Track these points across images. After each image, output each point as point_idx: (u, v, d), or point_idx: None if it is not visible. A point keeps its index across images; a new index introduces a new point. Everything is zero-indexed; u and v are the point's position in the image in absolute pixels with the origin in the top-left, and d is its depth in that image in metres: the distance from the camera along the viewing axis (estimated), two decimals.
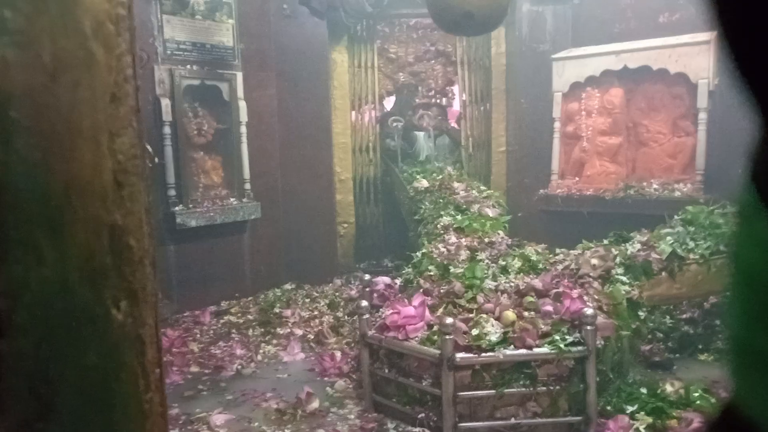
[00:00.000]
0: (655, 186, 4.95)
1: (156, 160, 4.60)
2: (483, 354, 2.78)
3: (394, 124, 6.48)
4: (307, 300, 5.24)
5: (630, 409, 2.91)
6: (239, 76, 5.28)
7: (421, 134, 6.59)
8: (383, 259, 6.39)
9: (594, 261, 3.34)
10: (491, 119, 6.26)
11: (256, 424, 3.14)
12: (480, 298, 3.09)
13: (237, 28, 5.28)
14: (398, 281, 3.84)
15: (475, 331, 2.85)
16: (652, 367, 3.53)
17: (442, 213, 4.43)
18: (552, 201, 5.49)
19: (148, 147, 0.84)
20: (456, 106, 6.94)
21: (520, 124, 5.96)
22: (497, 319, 2.94)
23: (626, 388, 3.10)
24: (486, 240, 3.85)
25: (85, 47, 0.70)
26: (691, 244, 3.45)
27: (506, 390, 2.78)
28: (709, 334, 3.76)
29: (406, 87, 6.78)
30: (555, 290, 3.09)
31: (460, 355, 2.77)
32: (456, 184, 5.04)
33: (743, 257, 0.36)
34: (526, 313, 2.96)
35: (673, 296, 3.47)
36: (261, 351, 4.19)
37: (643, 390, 3.08)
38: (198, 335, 4.54)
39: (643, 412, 2.88)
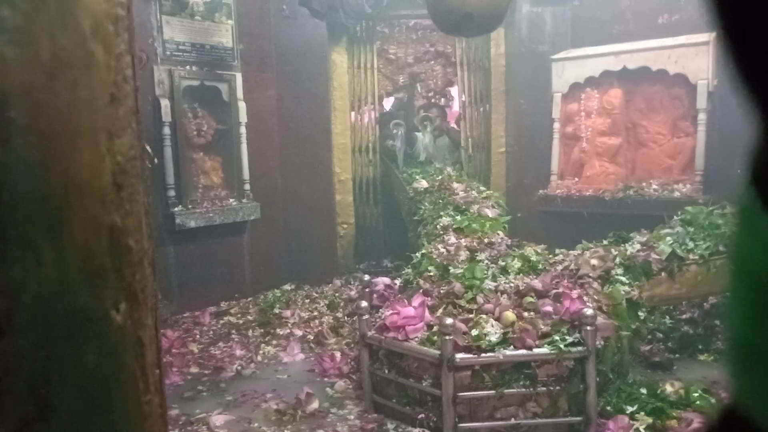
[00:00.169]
0: (654, 186, 4.95)
1: (155, 160, 4.60)
2: (483, 354, 2.78)
3: (395, 130, 6.47)
4: (307, 301, 5.24)
5: (630, 409, 2.91)
6: (239, 76, 5.28)
7: (420, 135, 6.59)
8: (383, 260, 6.39)
9: (594, 261, 3.34)
10: (491, 120, 6.26)
11: (256, 424, 3.13)
12: (480, 299, 3.09)
13: (236, 29, 5.28)
14: (398, 282, 3.84)
15: (474, 332, 2.85)
16: (651, 367, 3.53)
17: (442, 213, 4.43)
18: (551, 201, 5.49)
19: (148, 147, 0.84)
20: (456, 107, 6.94)
21: (519, 124, 5.96)
22: (497, 319, 2.94)
23: (626, 388, 3.10)
24: (485, 240, 3.84)
25: (84, 47, 0.70)
26: (691, 245, 3.45)
27: (506, 390, 2.78)
28: (708, 334, 3.76)
29: (406, 88, 6.78)
30: (555, 291, 3.09)
31: (459, 355, 2.77)
32: (455, 185, 5.04)
33: (743, 258, 0.35)
34: (525, 314, 2.96)
35: (672, 296, 3.47)
36: (261, 352, 4.19)
37: (643, 390, 3.08)
38: (198, 336, 4.54)
39: (643, 413, 2.88)
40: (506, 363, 2.79)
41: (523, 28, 5.78)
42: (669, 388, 3.11)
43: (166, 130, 4.79)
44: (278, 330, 4.56)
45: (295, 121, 5.78)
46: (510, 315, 2.92)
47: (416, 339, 2.99)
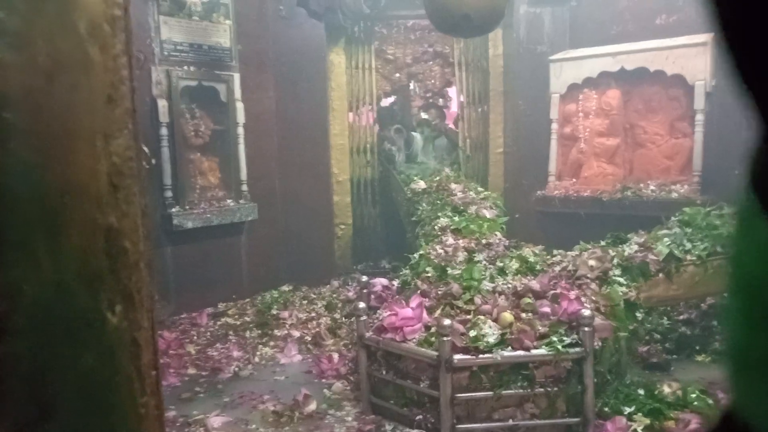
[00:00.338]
0: (652, 187, 4.96)
1: (153, 161, 4.59)
2: (481, 355, 2.78)
3: (396, 135, 6.47)
4: (305, 302, 5.23)
5: (628, 410, 2.91)
6: (236, 77, 5.28)
7: (418, 135, 6.59)
8: (381, 261, 6.39)
9: (591, 262, 3.34)
10: (489, 120, 6.26)
11: (254, 426, 3.13)
12: (477, 300, 3.09)
13: (234, 30, 5.28)
14: (396, 283, 3.84)
15: (472, 333, 2.85)
16: (649, 368, 3.54)
17: (440, 214, 4.42)
18: (549, 202, 5.49)
19: (145, 148, 0.84)
20: (454, 107, 6.95)
21: (517, 125, 5.96)
22: (495, 320, 2.94)
23: (624, 389, 3.11)
24: (483, 241, 3.84)
25: (81, 48, 0.69)
26: (689, 246, 3.46)
27: (504, 391, 2.78)
28: (706, 335, 3.77)
29: (403, 88, 6.78)
30: (552, 291, 3.09)
31: (457, 356, 2.77)
32: (453, 186, 5.03)
33: (742, 262, 0.35)
34: (523, 315, 2.96)
35: (670, 297, 3.47)
36: (258, 353, 4.18)
37: (641, 391, 3.09)
38: (195, 337, 4.53)
39: (640, 414, 2.88)
40: (504, 364, 2.79)
41: (521, 29, 5.79)
42: (667, 389, 3.11)
43: (164, 131, 4.78)
44: (276, 331, 4.55)
45: (293, 122, 5.77)
46: (508, 316, 2.92)
47: (414, 340, 2.99)
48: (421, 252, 3.81)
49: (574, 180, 5.49)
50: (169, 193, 4.86)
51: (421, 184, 5.21)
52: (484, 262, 3.55)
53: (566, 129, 5.50)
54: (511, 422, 2.80)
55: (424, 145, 6.54)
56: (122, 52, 0.75)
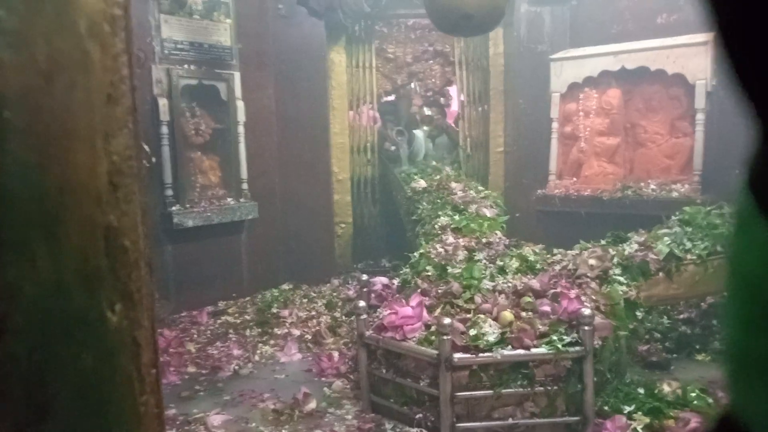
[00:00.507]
0: (652, 186, 4.96)
1: (153, 159, 4.59)
2: (480, 354, 2.78)
3: (399, 137, 6.46)
4: (305, 300, 5.24)
5: (627, 409, 2.91)
6: (237, 75, 5.28)
7: (419, 134, 6.59)
8: (381, 260, 6.39)
9: (591, 261, 3.34)
10: (489, 120, 6.26)
11: (254, 424, 3.13)
12: (477, 299, 3.09)
13: (235, 28, 5.28)
14: (396, 281, 3.84)
15: (472, 332, 2.85)
16: (649, 367, 3.54)
17: (440, 213, 4.42)
18: (550, 201, 5.49)
19: (145, 147, 0.83)
20: (454, 106, 6.94)
21: (518, 124, 5.96)
22: (495, 319, 2.94)
23: (624, 388, 3.11)
24: (483, 240, 3.85)
25: (81, 47, 0.69)
26: (689, 245, 3.46)
27: (504, 390, 2.78)
28: (706, 334, 3.77)
29: (404, 87, 6.77)
30: (552, 290, 3.09)
31: (457, 355, 2.77)
32: (454, 185, 5.04)
33: (741, 263, 0.35)
34: (523, 314, 2.96)
35: (670, 296, 3.47)
36: (258, 351, 4.18)
37: (641, 390, 3.09)
38: (195, 335, 4.54)
39: (640, 413, 2.89)
40: (504, 363, 2.79)
41: (521, 28, 5.79)
42: (666, 388, 3.11)
43: (164, 130, 4.78)
44: (276, 329, 4.56)
45: (294, 121, 5.77)
46: (508, 315, 2.92)
47: (414, 339, 2.99)
48: (422, 251, 3.81)
49: (575, 179, 5.49)
50: (169, 192, 4.86)
51: (422, 183, 5.21)
52: (484, 261, 3.55)
53: (567, 128, 5.50)
54: (510, 421, 2.80)
55: (425, 143, 6.53)
56: (122, 50, 0.75)
